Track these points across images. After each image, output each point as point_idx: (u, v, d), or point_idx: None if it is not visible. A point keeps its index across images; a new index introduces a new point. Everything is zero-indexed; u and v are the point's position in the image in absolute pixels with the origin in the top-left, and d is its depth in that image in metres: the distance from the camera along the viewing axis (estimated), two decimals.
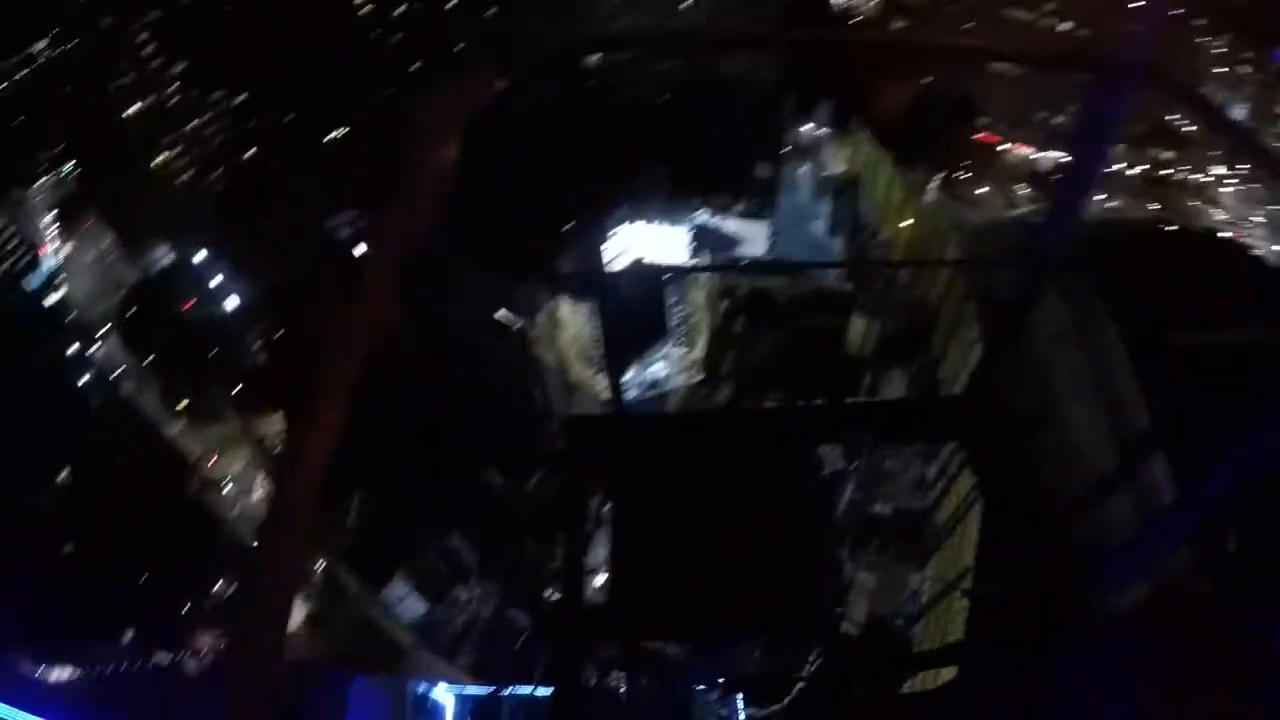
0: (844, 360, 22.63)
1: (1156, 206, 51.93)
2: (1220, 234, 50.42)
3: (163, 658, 48.82)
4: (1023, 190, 53.59)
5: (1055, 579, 3.74)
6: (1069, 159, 3.79)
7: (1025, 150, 56.20)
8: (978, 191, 51.62)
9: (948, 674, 6.12)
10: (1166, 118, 48.74)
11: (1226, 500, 2.65)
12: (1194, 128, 50.06)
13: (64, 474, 48.30)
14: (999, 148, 55.42)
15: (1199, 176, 54.45)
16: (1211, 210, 53.64)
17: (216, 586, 47.82)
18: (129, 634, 49.09)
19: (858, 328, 22.89)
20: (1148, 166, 52.89)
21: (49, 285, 61.00)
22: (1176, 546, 3.10)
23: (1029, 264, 4.27)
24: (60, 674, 48.73)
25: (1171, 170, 54.04)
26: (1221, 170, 53.69)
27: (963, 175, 51.47)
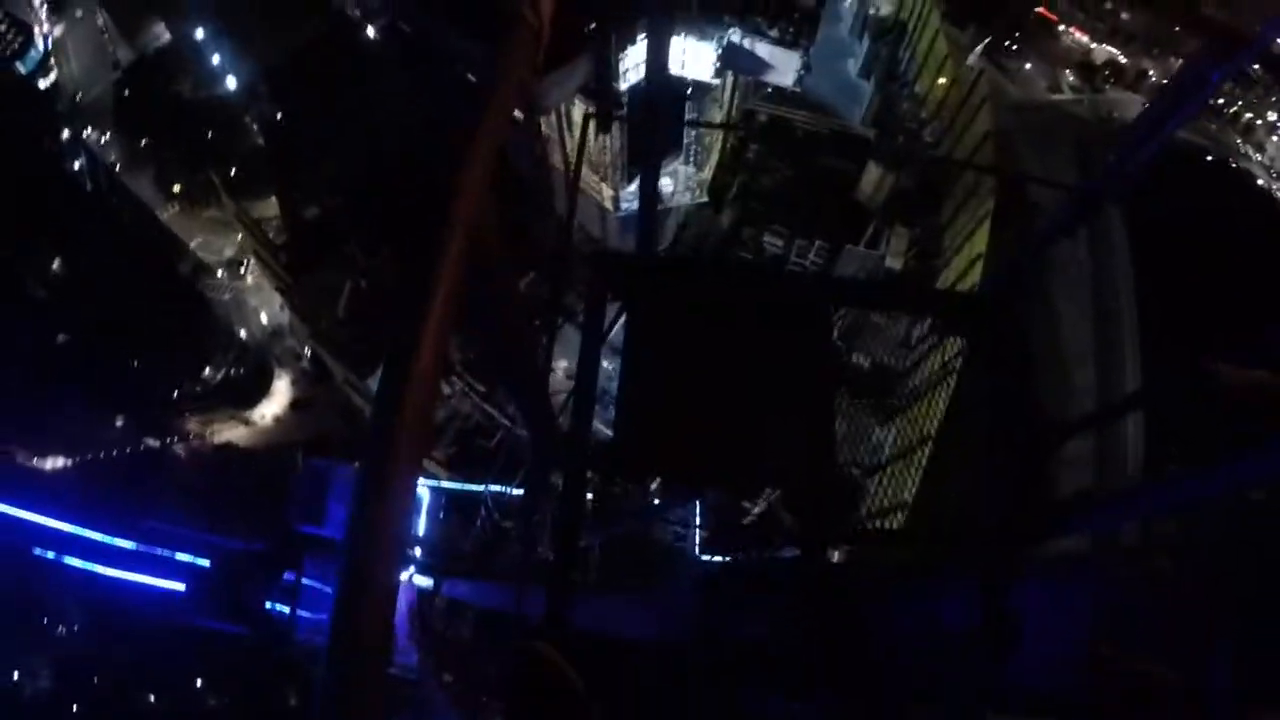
0: (851, 205, 22.23)
1: (1202, 137, 49.93)
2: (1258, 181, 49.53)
3: (153, 443, 50.63)
4: (1069, 78, 50.90)
5: (1020, 505, 3.68)
6: (1158, 103, 3.44)
7: (1081, 37, 52.89)
8: (1023, 67, 49.00)
9: (893, 524, 6.24)
10: None
11: (1209, 501, 2.49)
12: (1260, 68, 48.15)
13: (57, 261, 48.00)
14: (1055, 28, 52.11)
15: (1251, 116, 52.45)
16: (1254, 153, 51.96)
17: (205, 372, 48.98)
18: (120, 420, 50.61)
19: (871, 176, 22.33)
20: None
21: (43, 68, 58.30)
22: (1139, 517, 3.00)
23: (1083, 189, 3.96)
24: (54, 463, 50.64)
25: (1225, 101, 51.66)
26: (1275, 117, 51.88)
27: (1012, 46, 48.63)
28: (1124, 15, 51.42)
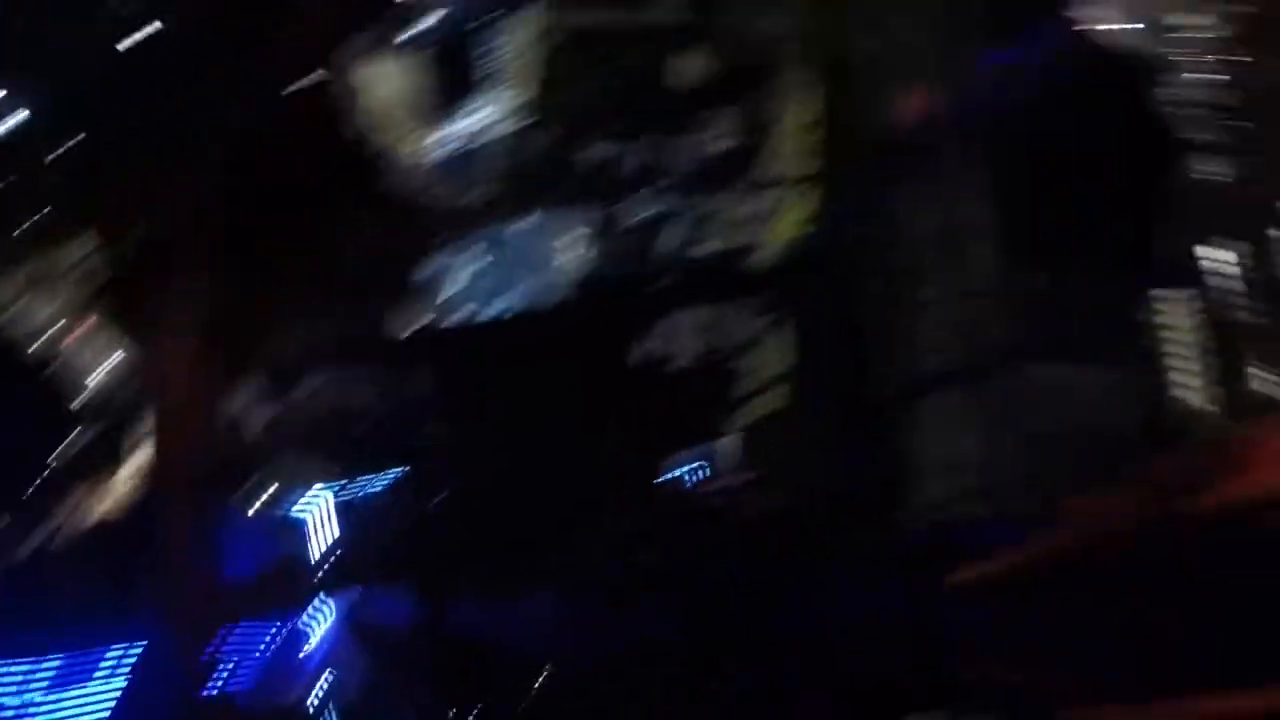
0: (674, 99, 21.98)
1: None
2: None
3: (32, 529, 47.59)
4: None
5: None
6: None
7: None
8: None
9: (774, 404, 5.88)
10: None
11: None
12: None
13: None
14: None
15: None
16: None
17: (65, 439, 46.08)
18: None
19: (691, 63, 22.10)
20: None
21: None
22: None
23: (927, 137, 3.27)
24: None
25: None
26: None
27: None
28: None
